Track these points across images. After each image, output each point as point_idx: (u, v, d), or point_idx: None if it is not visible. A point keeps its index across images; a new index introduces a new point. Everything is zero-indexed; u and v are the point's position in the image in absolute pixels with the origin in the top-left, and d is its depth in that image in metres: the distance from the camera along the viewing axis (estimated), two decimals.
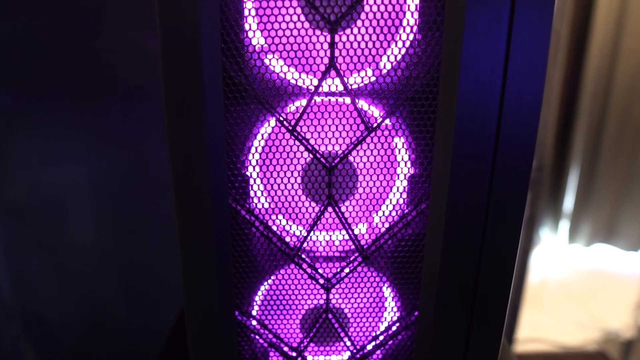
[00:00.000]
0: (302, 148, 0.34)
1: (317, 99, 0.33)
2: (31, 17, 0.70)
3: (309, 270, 0.37)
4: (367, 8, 0.31)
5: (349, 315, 0.39)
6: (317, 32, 0.31)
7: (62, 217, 0.81)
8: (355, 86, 0.33)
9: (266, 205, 0.36)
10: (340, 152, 0.34)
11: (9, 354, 0.88)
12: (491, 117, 0.31)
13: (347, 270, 0.37)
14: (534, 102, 0.31)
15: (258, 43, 0.32)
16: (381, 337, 0.40)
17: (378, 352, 0.40)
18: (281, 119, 0.33)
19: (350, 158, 0.34)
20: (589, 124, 1.96)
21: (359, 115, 0.33)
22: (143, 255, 0.84)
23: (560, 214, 2.12)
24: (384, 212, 0.36)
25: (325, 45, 0.32)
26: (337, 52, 0.32)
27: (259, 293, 0.39)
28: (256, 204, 0.36)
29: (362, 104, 0.33)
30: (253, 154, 0.34)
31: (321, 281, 0.38)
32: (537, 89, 0.31)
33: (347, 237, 0.37)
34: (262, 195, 0.35)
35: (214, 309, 0.36)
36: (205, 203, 0.33)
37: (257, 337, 0.40)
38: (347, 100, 0.33)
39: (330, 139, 0.34)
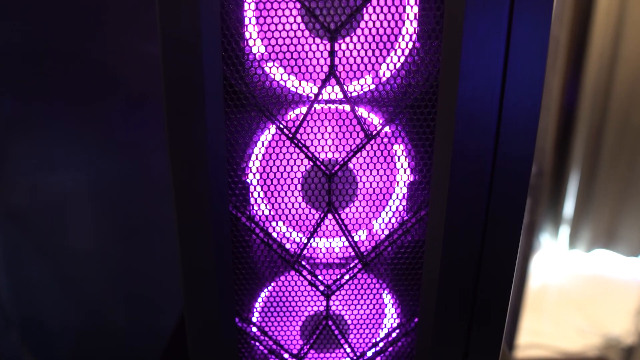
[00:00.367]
0: (302, 155, 0.34)
1: (317, 106, 0.33)
2: (32, 21, 0.70)
3: (309, 277, 0.37)
4: (366, 17, 0.31)
5: (349, 321, 0.39)
6: (317, 40, 0.32)
7: (62, 222, 0.81)
8: (355, 94, 0.33)
9: (266, 212, 0.36)
10: (340, 159, 0.34)
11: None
12: (490, 124, 0.31)
13: (347, 277, 0.37)
14: (533, 110, 0.31)
15: (258, 51, 0.32)
16: (381, 344, 0.40)
17: (378, 358, 0.40)
18: (281, 126, 0.33)
19: (350, 165, 0.35)
20: (588, 129, 1.96)
21: (358, 122, 0.33)
22: (143, 260, 0.84)
23: (561, 219, 2.12)
24: (383, 219, 0.36)
25: (325, 54, 0.32)
26: (337, 60, 0.32)
27: (259, 300, 0.39)
28: (256, 211, 0.36)
29: (362, 111, 0.34)
30: (253, 161, 0.34)
31: (321, 288, 0.38)
32: (535, 96, 0.31)
33: (347, 244, 0.37)
34: (263, 202, 0.35)
35: (214, 315, 0.36)
36: (205, 210, 0.33)
37: (257, 343, 0.40)
38: (347, 107, 0.33)
39: (330, 147, 0.34)
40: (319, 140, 0.34)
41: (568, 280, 2.07)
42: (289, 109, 0.33)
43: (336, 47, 0.32)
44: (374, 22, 0.31)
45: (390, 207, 0.36)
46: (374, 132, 0.33)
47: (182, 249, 0.34)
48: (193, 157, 0.32)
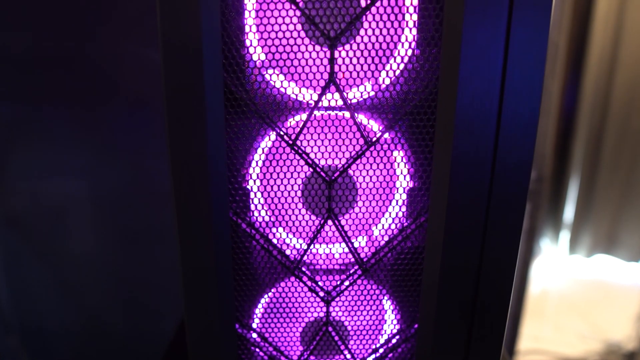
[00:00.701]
0: (302, 162, 0.34)
1: (317, 113, 0.34)
2: (32, 27, 0.70)
3: (309, 283, 0.37)
4: (366, 24, 0.31)
5: (349, 328, 0.40)
6: (317, 47, 0.32)
7: (62, 228, 0.81)
8: (354, 101, 0.33)
9: (267, 218, 0.36)
10: (340, 165, 0.34)
11: None
12: (489, 131, 0.31)
13: (347, 283, 0.38)
14: (531, 115, 0.31)
15: (259, 58, 0.32)
16: (381, 350, 0.40)
17: None
18: (281, 133, 0.33)
19: (350, 172, 0.35)
20: (588, 135, 1.97)
21: (358, 129, 0.33)
22: (143, 266, 0.84)
23: (561, 224, 2.11)
24: (383, 225, 0.36)
25: (325, 61, 0.32)
26: (336, 68, 0.32)
27: (260, 306, 0.39)
28: (257, 217, 0.36)
29: (362, 118, 0.34)
30: (254, 168, 0.35)
31: (321, 294, 0.38)
32: (534, 102, 0.31)
33: (347, 250, 0.37)
34: (263, 208, 0.36)
35: (215, 321, 0.36)
36: (206, 215, 0.33)
37: (257, 350, 0.40)
38: (347, 114, 0.33)
39: (330, 153, 0.34)
40: (319, 147, 0.34)
41: (568, 286, 2.06)
42: (289, 116, 0.34)
43: (336, 54, 0.32)
44: (373, 30, 0.31)
45: (390, 213, 0.36)
46: (374, 139, 0.34)
47: (182, 254, 0.35)
48: (193, 163, 0.32)
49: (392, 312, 0.39)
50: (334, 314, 0.39)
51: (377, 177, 0.35)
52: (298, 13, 0.31)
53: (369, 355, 0.40)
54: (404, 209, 0.36)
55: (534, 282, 1.98)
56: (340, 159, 0.34)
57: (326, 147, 0.34)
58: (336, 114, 0.34)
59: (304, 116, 0.33)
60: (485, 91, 0.31)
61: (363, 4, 0.31)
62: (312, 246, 0.37)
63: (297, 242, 0.37)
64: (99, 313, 0.87)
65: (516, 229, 0.34)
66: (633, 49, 1.83)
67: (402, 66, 0.32)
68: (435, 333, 0.36)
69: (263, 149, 0.34)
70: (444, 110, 0.31)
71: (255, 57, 0.32)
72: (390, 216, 0.36)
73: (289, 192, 0.35)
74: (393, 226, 0.36)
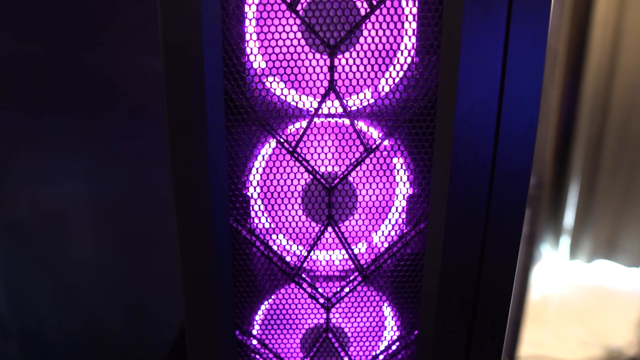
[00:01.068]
0: (302, 169, 0.34)
1: (317, 120, 0.34)
2: (33, 34, 0.71)
3: (309, 289, 0.37)
4: (365, 32, 0.32)
5: (349, 334, 0.40)
6: (317, 55, 0.32)
7: (62, 234, 0.81)
8: (354, 108, 0.33)
9: (267, 225, 0.36)
10: (340, 172, 0.35)
11: None
12: (488, 137, 0.32)
13: (347, 289, 0.38)
14: (530, 123, 0.32)
15: (259, 66, 0.32)
16: (381, 357, 0.40)
17: None
18: (282, 140, 0.34)
19: (350, 178, 0.35)
20: (587, 140, 1.97)
21: (358, 136, 0.34)
22: (144, 272, 0.84)
23: (561, 230, 2.11)
24: (383, 231, 0.36)
25: (325, 68, 0.32)
26: (336, 75, 0.32)
27: (260, 312, 0.39)
28: (257, 223, 0.36)
29: (362, 125, 0.34)
30: (254, 175, 0.35)
31: (321, 300, 0.38)
32: (532, 108, 0.31)
33: (347, 256, 0.37)
34: (263, 215, 0.36)
35: (215, 328, 0.37)
36: (206, 222, 0.34)
37: (257, 356, 0.40)
38: (347, 121, 0.34)
39: (330, 160, 0.34)
40: (318, 154, 0.34)
41: (569, 291, 2.06)
42: (289, 123, 0.34)
43: (336, 62, 0.32)
44: (373, 38, 0.32)
45: (390, 220, 0.36)
46: (374, 146, 0.34)
47: (182, 261, 0.35)
48: (194, 170, 0.32)
49: (392, 319, 0.39)
50: (334, 320, 0.39)
51: (377, 184, 0.35)
52: (298, 21, 0.31)
53: None
54: (403, 215, 0.36)
55: (535, 288, 1.97)
56: (340, 166, 0.34)
57: (326, 154, 0.34)
58: (336, 121, 0.34)
59: (304, 123, 0.34)
60: (484, 98, 0.31)
61: (363, 12, 0.31)
62: (312, 253, 0.37)
63: (297, 248, 0.37)
64: (99, 319, 0.87)
65: (516, 235, 0.34)
66: (632, 55, 1.84)
67: (401, 74, 0.32)
68: (435, 339, 0.36)
69: (263, 156, 0.34)
70: (443, 117, 0.31)
71: (255, 65, 0.32)
72: (390, 223, 0.36)
73: (289, 199, 0.35)
74: (393, 233, 0.36)
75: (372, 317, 0.39)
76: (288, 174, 0.35)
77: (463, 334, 0.36)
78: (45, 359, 0.89)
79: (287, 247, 0.37)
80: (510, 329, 1.20)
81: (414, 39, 0.32)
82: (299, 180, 0.35)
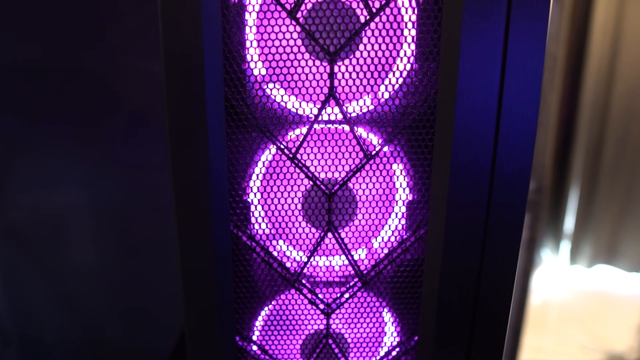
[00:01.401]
0: (302, 175, 0.35)
1: (317, 127, 0.34)
2: (33, 39, 0.71)
3: (309, 295, 0.37)
4: (365, 39, 0.32)
5: (349, 340, 0.39)
6: (317, 62, 0.32)
7: (62, 239, 0.81)
8: (354, 114, 0.33)
9: (267, 231, 0.36)
10: (339, 179, 0.35)
11: None
12: (487, 143, 0.32)
13: (347, 295, 0.38)
14: (529, 128, 0.32)
15: (259, 73, 0.33)
16: None
17: None
18: (282, 146, 0.34)
19: (350, 185, 0.35)
20: (587, 145, 1.97)
21: (357, 142, 0.34)
22: (144, 278, 0.83)
23: (561, 235, 2.11)
24: (383, 237, 0.36)
25: (325, 75, 0.32)
26: (336, 82, 0.32)
27: (260, 318, 0.39)
28: (257, 229, 0.36)
29: (361, 131, 0.34)
30: (254, 181, 0.35)
31: (321, 306, 0.38)
32: (531, 115, 0.31)
33: (346, 262, 0.37)
34: (263, 221, 0.36)
35: (215, 333, 0.37)
36: (206, 228, 0.34)
37: None
38: (347, 128, 0.34)
39: (329, 166, 0.34)
40: (318, 160, 0.34)
41: (570, 296, 2.05)
42: (289, 130, 0.34)
43: (336, 69, 0.32)
44: (372, 45, 0.32)
45: (390, 225, 0.36)
46: (373, 152, 0.34)
47: (183, 267, 0.35)
48: (194, 175, 0.33)
49: (392, 324, 0.39)
50: (334, 326, 0.39)
51: (377, 189, 0.35)
52: (298, 28, 0.31)
53: None
54: (403, 221, 0.36)
55: (535, 293, 1.97)
56: (340, 172, 0.35)
57: (326, 160, 0.34)
58: (336, 128, 0.34)
59: (304, 130, 0.34)
60: (484, 104, 0.31)
61: (362, 19, 0.31)
62: (312, 259, 0.37)
63: (298, 254, 0.37)
64: (99, 324, 0.86)
65: (515, 240, 0.34)
66: (631, 59, 1.84)
67: (401, 80, 0.33)
68: (436, 345, 0.36)
69: (263, 162, 0.34)
70: (443, 124, 0.32)
71: (256, 72, 0.33)
72: (389, 229, 0.36)
73: (289, 205, 0.35)
74: (393, 238, 0.36)
75: (372, 323, 0.39)
76: (288, 180, 0.35)
77: (463, 340, 0.36)
78: None
79: (287, 253, 0.37)
80: (510, 334, 1.19)
81: (413, 46, 0.32)
82: (299, 186, 0.35)
